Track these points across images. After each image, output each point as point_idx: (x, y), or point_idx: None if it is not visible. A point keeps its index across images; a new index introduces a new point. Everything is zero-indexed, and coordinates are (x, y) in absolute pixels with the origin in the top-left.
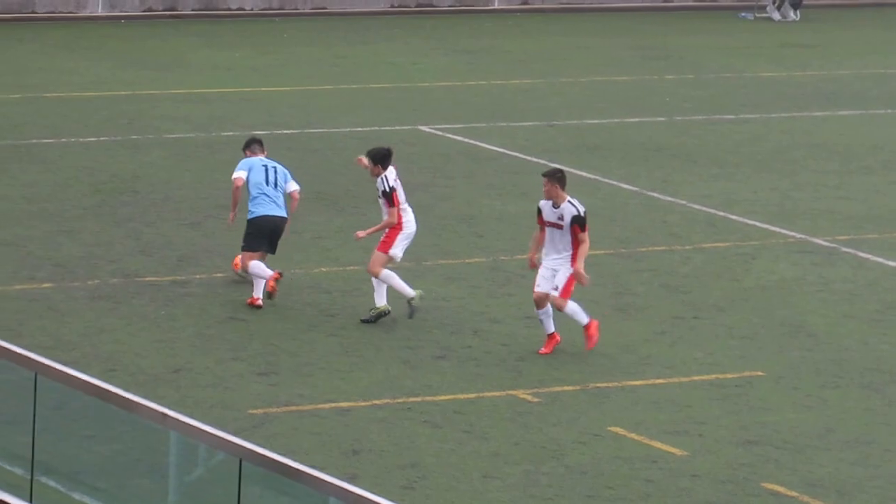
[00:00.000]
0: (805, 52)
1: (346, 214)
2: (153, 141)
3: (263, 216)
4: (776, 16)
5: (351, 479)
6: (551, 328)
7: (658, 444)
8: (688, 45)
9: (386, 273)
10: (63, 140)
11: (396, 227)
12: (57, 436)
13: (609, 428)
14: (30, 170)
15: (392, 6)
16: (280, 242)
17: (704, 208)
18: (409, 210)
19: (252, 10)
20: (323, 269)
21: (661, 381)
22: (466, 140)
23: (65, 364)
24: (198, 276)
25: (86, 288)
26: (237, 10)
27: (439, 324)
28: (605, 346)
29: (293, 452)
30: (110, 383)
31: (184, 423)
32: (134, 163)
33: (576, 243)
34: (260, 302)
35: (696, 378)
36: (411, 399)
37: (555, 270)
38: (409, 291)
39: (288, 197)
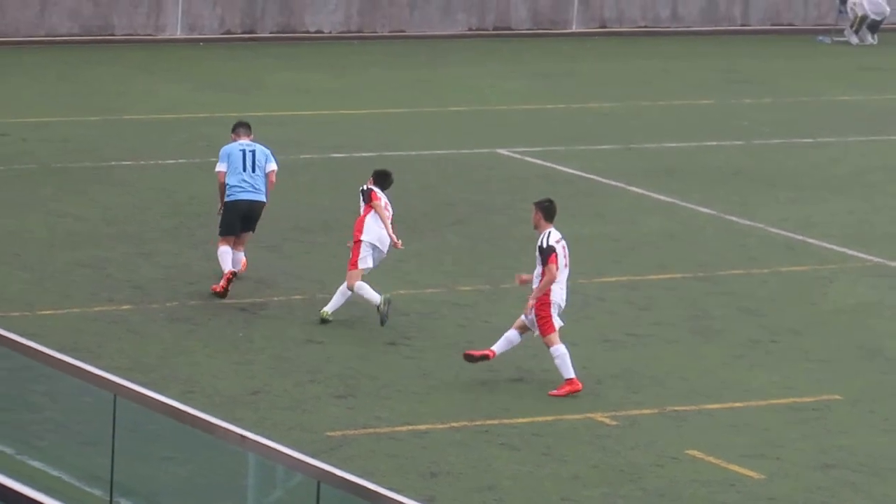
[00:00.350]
0: (882, 76)
1: (424, 238)
2: None
3: (238, 200)
4: (854, 39)
5: (428, 502)
6: (570, 373)
7: (736, 468)
8: (766, 69)
9: (358, 284)
10: (142, 162)
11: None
12: (135, 457)
13: (687, 451)
14: (108, 192)
15: (470, 29)
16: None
17: (782, 232)
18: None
19: (330, 32)
20: (401, 292)
21: (738, 404)
22: (544, 163)
23: (143, 386)
24: (276, 299)
25: (164, 310)
26: (315, 32)
27: (517, 347)
28: (683, 369)
29: (371, 475)
30: (188, 405)
31: (262, 444)
32: (212, 185)
33: (544, 272)
34: (219, 288)
35: (773, 402)
36: (489, 421)
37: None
38: (376, 298)
39: (266, 177)
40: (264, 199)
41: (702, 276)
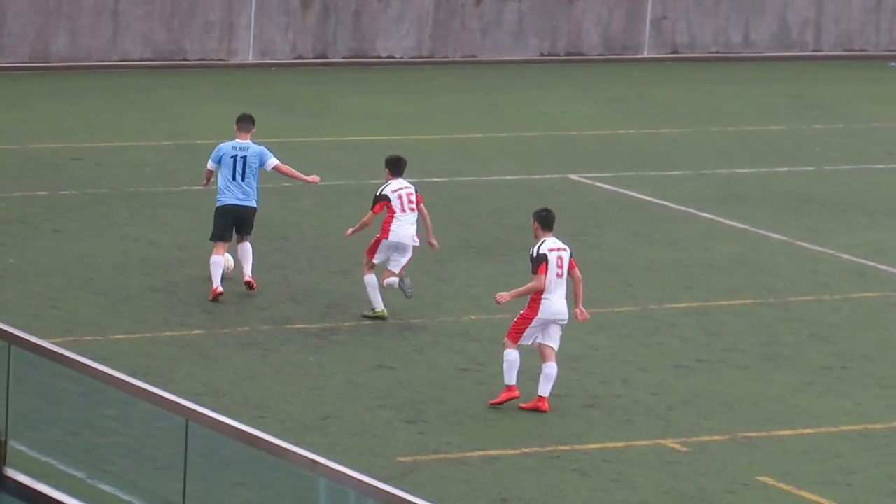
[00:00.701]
0: None
1: (496, 262)
2: (303, 188)
3: (226, 205)
4: None
5: None
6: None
7: (807, 494)
8: (837, 95)
9: (368, 279)
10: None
11: (381, 235)
12: (207, 482)
13: (758, 478)
14: (181, 216)
15: (542, 54)
16: (429, 289)
17: (853, 258)
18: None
19: (402, 57)
20: (472, 318)
21: (809, 430)
22: (615, 188)
23: (215, 410)
24: (347, 324)
25: (236, 335)
26: (387, 57)
27: (588, 372)
28: (754, 395)
29: (441, 500)
30: (260, 430)
31: (333, 469)
32: (284, 210)
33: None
34: (218, 290)
35: (844, 428)
36: (560, 447)
37: None
38: (378, 304)
39: (274, 172)
40: (253, 205)
41: (773, 302)
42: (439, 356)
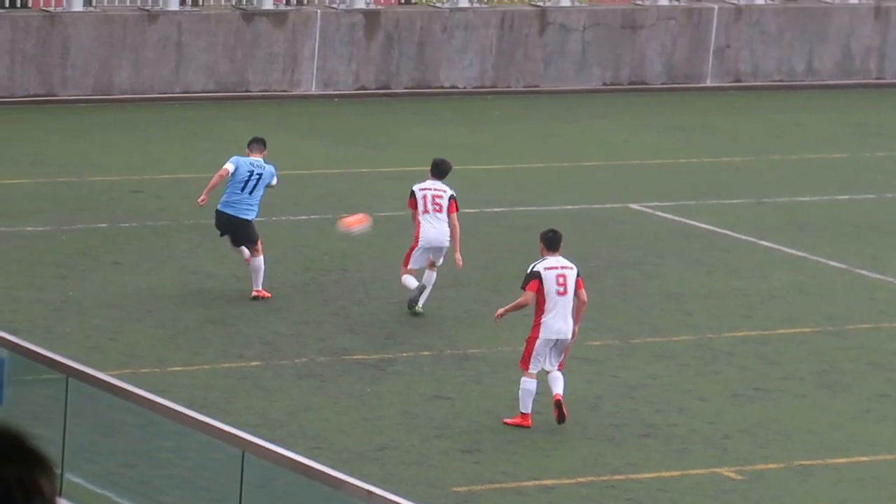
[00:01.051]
0: None
1: None
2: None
3: (223, 212)
4: None
5: None
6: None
7: None
8: None
9: (405, 278)
10: (273, 218)
11: (412, 245)
12: None
13: None
14: None
15: (604, 84)
16: (486, 319)
17: None
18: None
19: (465, 87)
20: None
21: (865, 458)
22: (676, 218)
23: (272, 442)
24: (404, 355)
25: (293, 366)
26: (450, 87)
27: (645, 401)
28: (811, 423)
29: None
30: (316, 461)
31: (389, 500)
32: (344, 241)
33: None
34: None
35: None
36: (615, 477)
37: None
38: (412, 284)
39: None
40: (248, 218)
41: (831, 331)
42: (496, 386)
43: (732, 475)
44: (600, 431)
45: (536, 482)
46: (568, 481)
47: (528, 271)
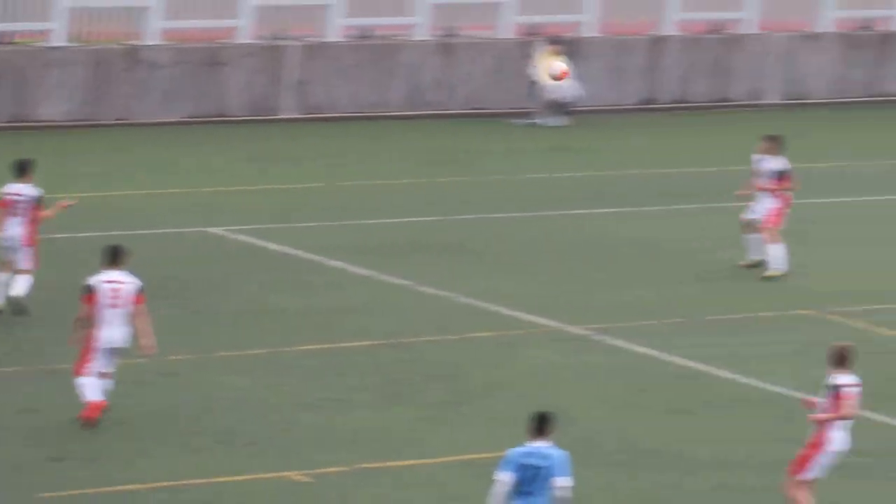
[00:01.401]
0: None
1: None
2: None
3: None
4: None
5: None
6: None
7: None
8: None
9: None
10: None
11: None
12: None
13: None
14: None
15: (189, 116)
16: None
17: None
18: None
19: (61, 121)
20: None
21: (425, 461)
22: (253, 240)
23: None
24: None
25: None
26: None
27: (222, 411)
28: (374, 429)
29: None
30: None
31: None
32: None
33: None
34: None
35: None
36: (192, 481)
37: None
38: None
39: None
40: None
41: (395, 343)
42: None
43: (301, 478)
44: (178, 439)
45: (118, 487)
46: (145, 486)
47: (84, 285)
